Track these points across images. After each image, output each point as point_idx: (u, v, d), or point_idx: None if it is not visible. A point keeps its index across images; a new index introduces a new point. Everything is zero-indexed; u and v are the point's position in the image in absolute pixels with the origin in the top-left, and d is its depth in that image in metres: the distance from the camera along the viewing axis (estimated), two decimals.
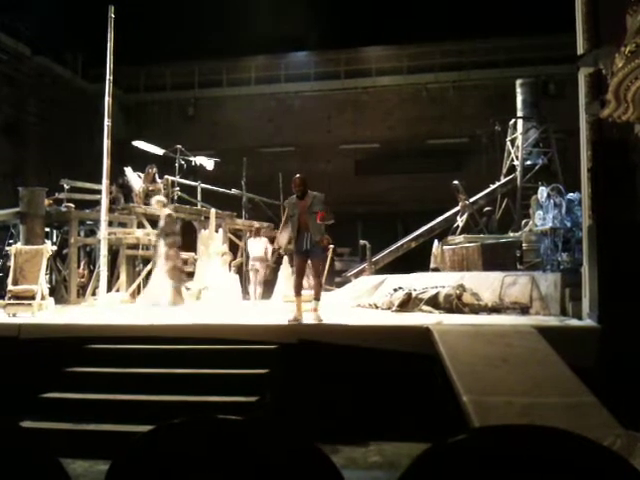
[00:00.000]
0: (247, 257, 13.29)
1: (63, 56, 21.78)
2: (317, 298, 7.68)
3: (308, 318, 7.56)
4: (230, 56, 23.52)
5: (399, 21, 21.67)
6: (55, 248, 10.18)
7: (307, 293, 8.08)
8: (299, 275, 7.85)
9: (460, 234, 14.63)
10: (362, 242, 16.45)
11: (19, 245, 10.11)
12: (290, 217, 7.78)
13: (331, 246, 8.71)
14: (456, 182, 16.23)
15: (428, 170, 21.32)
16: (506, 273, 9.77)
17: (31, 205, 11.93)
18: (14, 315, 8.80)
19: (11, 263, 9.53)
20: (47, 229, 13.32)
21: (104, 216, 10.57)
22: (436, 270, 12.88)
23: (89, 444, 5.26)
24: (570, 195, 10.11)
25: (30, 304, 8.93)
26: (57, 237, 13.90)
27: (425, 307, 9.12)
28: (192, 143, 18.66)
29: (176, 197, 15.23)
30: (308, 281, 8.92)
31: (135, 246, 13.17)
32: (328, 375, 6.32)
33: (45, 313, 9.00)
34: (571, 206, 9.94)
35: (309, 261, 7.81)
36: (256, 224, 15.73)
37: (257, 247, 12.82)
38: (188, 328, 7.25)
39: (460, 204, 16.17)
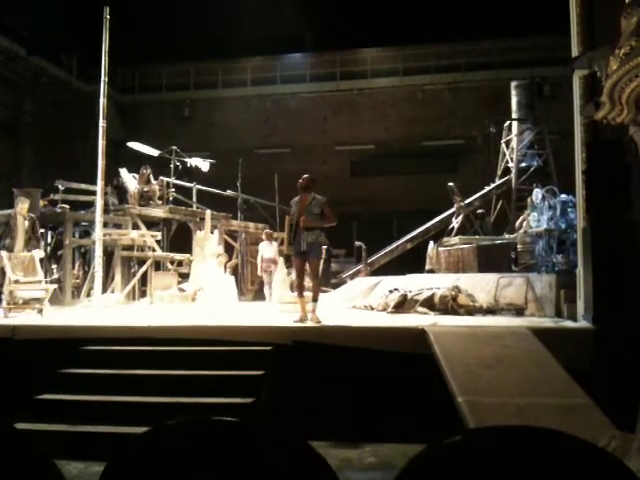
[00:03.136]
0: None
1: (59, 57, 21.72)
2: (315, 299, 7.68)
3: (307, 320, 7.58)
4: (226, 57, 23.52)
5: (395, 23, 21.68)
6: (43, 254, 10.21)
7: (307, 294, 8.08)
8: (299, 276, 7.88)
9: (455, 235, 14.66)
10: (357, 243, 16.47)
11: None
12: (291, 217, 7.82)
13: (324, 247, 8.68)
14: (451, 184, 16.26)
15: (423, 171, 21.32)
16: (501, 274, 9.79)
17: None
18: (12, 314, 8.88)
19: (6, 265, 9.52)
20: (42, 230, 13.28)
21: (99, 217, 10.56)
22: (431, 271, 12.90)
23: (84, 445, 5.24)
24: (563, 196, 10.13)
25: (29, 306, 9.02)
26: (52, 238, 13.86)
27: (420, 308, 9.12)
28: (187, 144, 18.67)
29: (171, 198, 15.23)
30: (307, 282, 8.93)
31: (130, 247, 13.16)
32: (324, 376, 6.32)
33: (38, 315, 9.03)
34: (565, 208, 9.96)
35: (307, 262, 7.82)
36: (262, 227, 15.78)
37: (269, 250, 12.94)
38: (183, 329, 7.24)
39: (455, 205, 16.20)
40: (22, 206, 9.92)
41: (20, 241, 9.70)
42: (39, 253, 9.83)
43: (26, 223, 9.80)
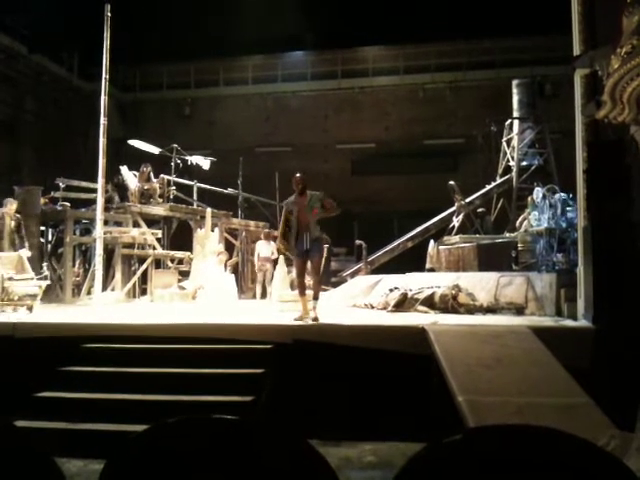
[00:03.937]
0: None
1: (60, 55, 21.72)
2: (316, 297, 7.69)
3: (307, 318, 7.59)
4: (227, 55, 23.50)
5: (396, 21, 21.68)
6: (30, 254, 10.29)
7: (308, 293, 8.08)
8: (300, 275, 7.89)
9: (456, 234, 14.65)
10: (358, 242, 16.45)
11: None
12: (290, 216, 7.79)
13: (326, 245, 8.70)
14: (452, 182, 16.25)
15: (424, 170, 21.31)
16: (501, 273, 9.78)
17: (26, 204, 11.92)
18: (13, 310, 8.88)
19: None
20: (42, 228, 13.30)
21: (100, 215, 10.55)
22: (432, 270, 12.89)
23: (84, 443, 5.25)
24: (562, 195, 10.13)
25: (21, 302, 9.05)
26: (53, 236, 13.87)
27: (421, 307, 9.12)
28: (188, 142, 18.66)
29: (172, 196, 15.22)
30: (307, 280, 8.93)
31: (131, 245, 13.16)
32: (324, 375, 6.32)
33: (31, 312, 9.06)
34: (565, 207, 9.96)
35: (308, 261, 7.84)
36: (261, 225, 15.86)
37: (266, 249, 13.09)
38: (184, 328, 7.24)
39: (456, 204, 16.19)
40: (10, 207, 10.10)
41: (7, 241, 9.85)
42: (26, 252, 9.93)
43: (12, 223, 9.94)
